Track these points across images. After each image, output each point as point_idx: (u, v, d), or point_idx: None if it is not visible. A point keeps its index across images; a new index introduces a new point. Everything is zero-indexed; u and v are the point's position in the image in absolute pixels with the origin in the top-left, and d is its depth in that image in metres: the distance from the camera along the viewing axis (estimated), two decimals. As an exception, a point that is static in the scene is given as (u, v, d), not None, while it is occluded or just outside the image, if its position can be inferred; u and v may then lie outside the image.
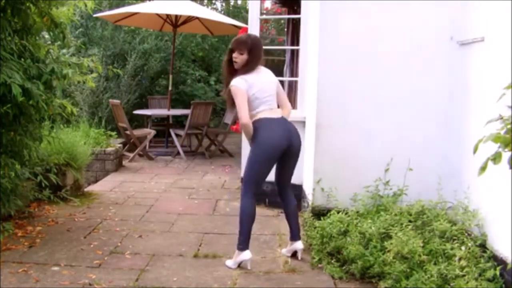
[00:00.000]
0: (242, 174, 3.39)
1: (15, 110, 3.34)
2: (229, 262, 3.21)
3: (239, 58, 3.20)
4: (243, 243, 3.17)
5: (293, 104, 4.83)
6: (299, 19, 4.72)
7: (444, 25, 3.59)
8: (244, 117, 3.11)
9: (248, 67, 3.20)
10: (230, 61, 3.27)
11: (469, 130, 3.22)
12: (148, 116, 8.13)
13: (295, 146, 3.25)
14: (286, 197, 3.45)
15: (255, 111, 3.20)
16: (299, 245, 3.39)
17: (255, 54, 3.21)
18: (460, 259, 2.74)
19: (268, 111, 3.21)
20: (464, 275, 2.63)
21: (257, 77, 3.22)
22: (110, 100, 7.60)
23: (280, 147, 3.16)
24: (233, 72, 3.25)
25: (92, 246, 3.53)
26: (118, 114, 7.22)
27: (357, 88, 3.74)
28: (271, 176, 4.54)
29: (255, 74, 3.22)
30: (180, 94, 10.08)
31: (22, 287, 2.82)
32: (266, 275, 3.10)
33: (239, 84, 3.15)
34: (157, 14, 7.76)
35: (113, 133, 7.06)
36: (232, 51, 3.24)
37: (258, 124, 3.17)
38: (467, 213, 3.10)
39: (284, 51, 5.97)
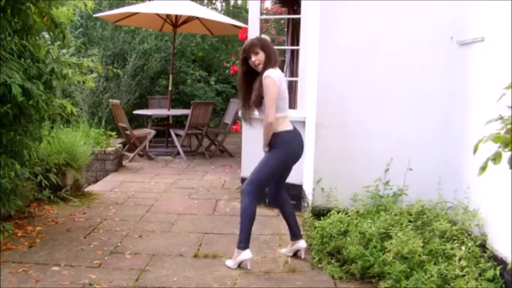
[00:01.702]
0: (243, 174, 3.35)
1: (15, 110, 3.34)
2: (229, 262, 3.21)
3: (257, 58, 3.11)
4: (244, 242, 3.17)
5: (293, 104, 4.83)
6: (299, 19, 4.72)
7: (444, 25, 3.59)
8: (272, 116, 3.05)
9: (272, 62, 3.12)
10: (246, 73, 3.20)
11: (469, 130, 3.22)
12: (148, 116, 8.13)
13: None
14: (283, 197, 3.44)
15: (279, 114, 3.12)
16: (302, 243, 3.39)
17: (270, 49, 3.16)
18: (460, 259, 2.74)
19: (287, 119, 3.21)
20: (464, 275, 2.63)
21: (282, 74, 3.22)
22: (110, 100, 7.61)
23: (299, 158, 3.27)
24: (251, 83, 3.16)
25: (92, 246, 3.53)
26: (118, 114, 7.22)
27: (357, 88, 3.74)
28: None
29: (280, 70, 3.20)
30: (180, 94, 10.09)
31: (22, 287, 2.82)
32: (266, 275, 3.10)
33: (274, 76, 3.05)
34: (157, 14, 7.76)
35: (113, 133, 7.06)
36: (246, 59, 3.16)
37: (287, 137, 3.16)
38: (467, 213, 3.10)
39: (284, 51, 5.97)
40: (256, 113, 3.24)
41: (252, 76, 3.19)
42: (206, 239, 3.78)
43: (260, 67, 3.13)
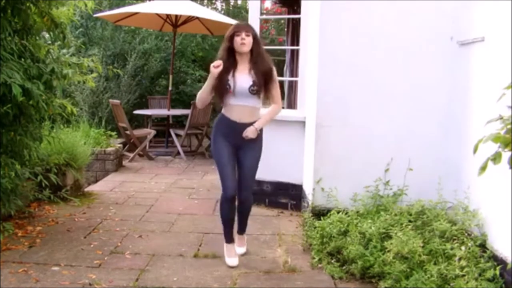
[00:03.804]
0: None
1: (15, 110, 3.34)
2: (233, 261, 3.23)
3: (247, 39, 3.03)
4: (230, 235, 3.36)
5: (293, 104, 4.84)
6: (299, 19, 4.72)
7: (444, 25, 3.59)
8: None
9: (263, 55, 3.13)
10: (231, 48, 3.07)
11: (469, 130, 3.22)
12: (148, 116, 8.14)
13: None
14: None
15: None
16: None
17: (259, 42, 3.14)
18: (460, 259, 2.74)
19: None
20: (464, 275, 2.63)
21: None
22: (110, 100, 7.61)
23: None
24: (234, 60, 3.09)
25: (92, 246, 3.53)
26: (118, 114, 7.22)
27: (357, 88, 3.74)
28: (271, 176, 4.57)
29: None
30: (180, 94, 10.08)
31: (22, 287, 2.82)
32: (266, 275, 3.10)
33: None
34: (157, 14, 7.76)
35: (113, 133, 7.06)
36: (236, 34, 3.03)
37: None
38: (467, 213, 3.10)
39: (284, 51, 5.98)
40: (233, 99, 3.09)
41: (233, 56, 3.10)
42: (206, 239, 3.78)
43: (243, 49, 3.04)
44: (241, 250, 3.42)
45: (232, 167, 3.17)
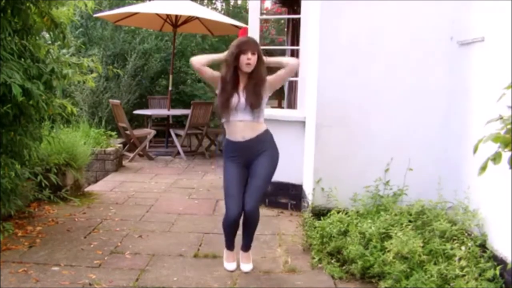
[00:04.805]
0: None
1: (15, 110, 3.34)
2: (231, 266, 3.19)
3: (252, 59, 2.90)
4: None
5: (293, 104, 4.84)
6: (299, 19, 4.72)
7: (444, 25, 3.59)
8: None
9: (264, 70, 2.99)
10: (236, 67, 2.94)
11: (469, 130, 3.22)
12: (148, 116, 8.14)
13: None
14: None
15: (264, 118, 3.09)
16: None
17: (262, 60, 2.98)
18: (460, 259, 2.74)
19: None
20: (464, 275, 2.63)
21: None
22: (110, 100, 7.61)
23: None
24: (237, 77, 2.97)
25: (92, 246, 3.54)
26: (118, 114, 7.23)
27: (357, 88, 3.74)
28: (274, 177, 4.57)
29: None
30: (180, 94, 10.08)
31: (22, 287, 2.82)
32: (266, 275, 3.10)
33: None
34: (157, 14, 7.76)
35: (113, 133, 7.06)
36: (242, 53, 2.89)
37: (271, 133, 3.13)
38: (467, 213, 3.10)
39: (284, 51, 5.98)
40: (240, 114, 2.96)
41: (238, 77, 2.99)
42: (206, 239, 3.78)
43: (247, 69, 2.93)
44: (248, 267, 3.17)
45: (238, 189, 3.00)
